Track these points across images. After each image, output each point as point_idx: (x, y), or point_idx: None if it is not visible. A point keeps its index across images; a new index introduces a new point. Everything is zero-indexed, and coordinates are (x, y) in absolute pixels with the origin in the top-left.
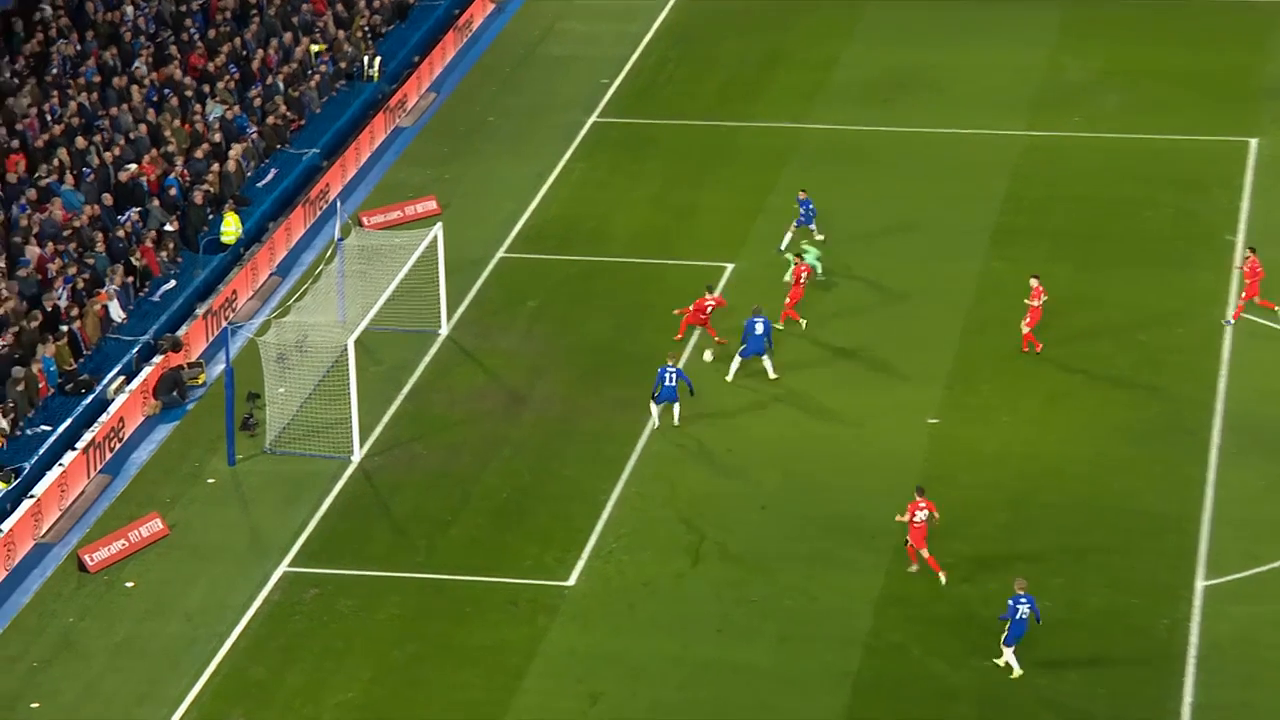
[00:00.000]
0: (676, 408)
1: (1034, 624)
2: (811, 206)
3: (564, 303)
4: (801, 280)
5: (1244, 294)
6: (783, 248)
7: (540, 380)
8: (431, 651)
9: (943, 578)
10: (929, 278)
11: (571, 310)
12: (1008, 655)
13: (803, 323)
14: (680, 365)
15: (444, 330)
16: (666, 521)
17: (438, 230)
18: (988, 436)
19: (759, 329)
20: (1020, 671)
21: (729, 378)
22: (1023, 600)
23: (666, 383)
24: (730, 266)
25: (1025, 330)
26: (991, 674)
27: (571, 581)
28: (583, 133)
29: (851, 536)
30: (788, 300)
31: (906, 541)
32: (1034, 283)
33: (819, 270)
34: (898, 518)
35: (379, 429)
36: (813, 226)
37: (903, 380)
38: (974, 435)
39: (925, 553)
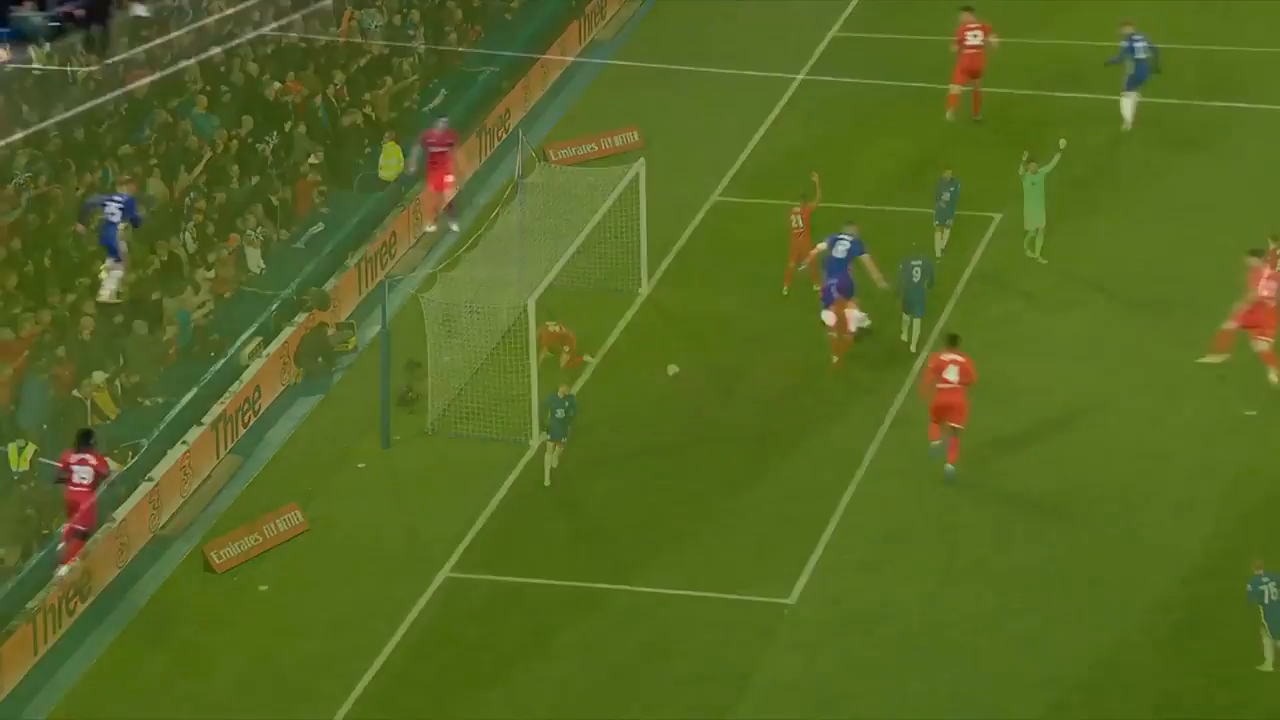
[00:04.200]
0: (559, 448)
1: None
2: (956, 191)
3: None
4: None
5: None
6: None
7: (760, 353)
8: (620, 681)
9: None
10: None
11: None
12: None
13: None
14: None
15: (644, 289)
16: (912, 530)
17: (640, 168)
18: None
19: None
20: (1271, 666)
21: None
22: (1264, 580)
23: (556, 415)
24: (997, 217)
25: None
26: None
27: (793, 600)
28: (819, 49)
29: (1137, 554)
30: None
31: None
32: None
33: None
34: None
35: None
36: (949, 222)
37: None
38: None
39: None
